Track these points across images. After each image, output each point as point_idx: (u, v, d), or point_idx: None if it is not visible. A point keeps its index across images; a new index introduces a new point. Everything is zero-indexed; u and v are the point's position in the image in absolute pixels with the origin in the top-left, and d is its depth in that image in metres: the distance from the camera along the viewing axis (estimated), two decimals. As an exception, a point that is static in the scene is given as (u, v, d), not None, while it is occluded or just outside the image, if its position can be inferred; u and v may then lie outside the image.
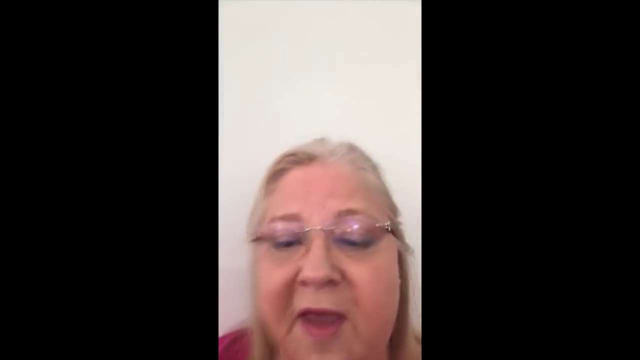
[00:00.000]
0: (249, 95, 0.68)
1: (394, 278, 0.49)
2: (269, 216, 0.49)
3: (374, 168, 0.53)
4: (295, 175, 0.50)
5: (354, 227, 0.46)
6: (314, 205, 0.47)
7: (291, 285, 0.46)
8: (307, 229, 0.46)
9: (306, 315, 0.45)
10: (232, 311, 0.55)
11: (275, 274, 0.46)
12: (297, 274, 0.45)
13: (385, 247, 0.48)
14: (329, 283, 0.44)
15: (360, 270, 0.45)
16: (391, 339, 0.50)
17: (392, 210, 0.52)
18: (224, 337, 0.59)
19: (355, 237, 0.46)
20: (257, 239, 0.50)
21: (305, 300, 0.44)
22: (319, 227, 0.46)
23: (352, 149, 0.53)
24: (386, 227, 0.48)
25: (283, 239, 0.47)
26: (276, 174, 0.52)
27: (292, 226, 0.47)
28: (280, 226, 0.47)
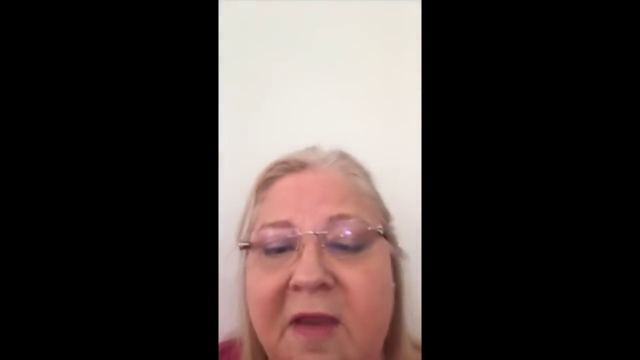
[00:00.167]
0: (249, 97, 0.68)
1: (387, 281, 0.49)
2: (260, 223, 0.49)
3: (365, 175, 0.54)
4: (287, 182, 0.51)
5: (346, 231, 0.47)
6: (306, 211, 0.47)
7: (283, 291, 0.45)
8: (300, 234, 0.46)
9: (299, 320, 0.44)
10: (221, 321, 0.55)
11: (267, 281, 0.46)
12: (289, 279, 0.45)
13: (378, 251, 0.48)
14: (322, 287, 0.44)
15: (352, 274, 0.45)
16: (386, 343, 0.50)
17: (384, 215, 0.53)
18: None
19: (347, 242, 0.47)
20: (247, 247, 0.50)
21: (298, 305, 0.44)
22: (311, 232, 0.46)
23: (343, 156, 0.54)
24: (378, 230, 0.48)
25: (274, 245, 0.47)
26: (267, 182, 0.52)
27: (284, 232, 0.47)
28: (271, 233, 0.48)
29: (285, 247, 0.47)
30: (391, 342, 0.50)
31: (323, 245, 0.46)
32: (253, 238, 0.49)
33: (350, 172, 0.52)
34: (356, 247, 0.47)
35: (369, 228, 0.48)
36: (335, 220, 0.47)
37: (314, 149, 0.55)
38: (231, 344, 0.55)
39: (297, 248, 0.46)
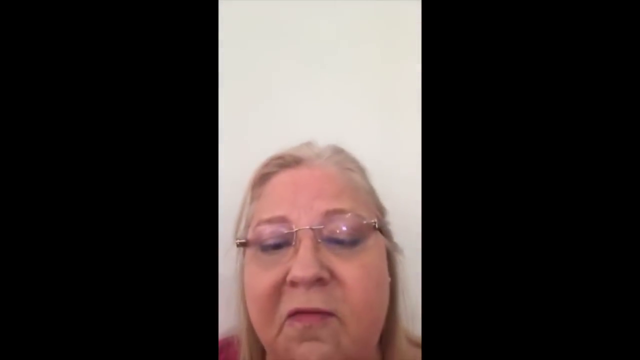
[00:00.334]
0: (250, 95, 0.68)
1: (382, 276, 0.49)
2: (256, 220, 0.49)
3: (361, 169, 0.54)
4: (282, 178, 0.51)
5: (342, 225, 0.47)
6: (302, 207, 0.47)
7: (280, 288, 0.45)
8: (296, 229, 0.46)
9: (295, 315, 0.45)
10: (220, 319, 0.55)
11: (264, 277, 0.46)
12: (285, 275, 0.45)
13: (373, 245, 0.48)
14: (318, 282, 0.44)
15: (348, 268, 0.46)
16: (381, 337, 0.50)
17: (380, 209, 0.53)
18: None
19: (343, 236, 0.47)
20: (244, 244, 0.50)
21: (295, 301, 0.44)
22: (307, 227, 0.46)
23: (338, 151, 0.54)
24: (373, 223, 0.48)
25: (270, 241, 0.47)
26: (262, 178, 0.52)
27: (280, 228, 0.47)
28: (267, 229, 0.48)
29: (282, 243, 0.47)
30: (386, 336, 0.50)
31: (319, 240, 0.46)
32: (250, 235, 0.50)
33: (346, 166, 0.52)
34: (352, 242, 0.47)
35: (364, 222, 0.48)
36: (331, 215, 0.47)
37: (309, 144, 0.55)
38: (230, 342, 0.55)
39: (293, 244, 0.46)
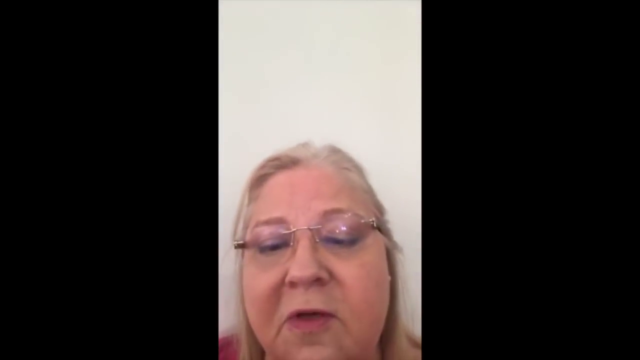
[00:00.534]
0: (250, 96, 0.68)
1: (382, 274, 0.49)
2: (254, 222, 0.49)
3: (358, 168, 0.54)
4: (279, 179, 0.51)
5: (340, 225, 0.47)
6: (299, 207, 0.47)
7: (279, 289, 0.45)
8: (293, 230, 0.46)
9: (294, 319, 0.44)
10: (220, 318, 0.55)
11: (262, 279, 0.46)
12: (284, 276, 0.45)
13: (372, 244, 0.48)
14: (317, 283, 0.44)
15: (347, 267, 0.45)
16: (381, 337, 0.50)
17: (378, 208, 0.53)
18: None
19: (341, 236, 0.47)
20: (242, 245, 0.50)
21: (295, 302, 0.44)
22: (305, 228, 0.46)
23: (334, 150, 0.54)
24: (371, 222, 0.48)
25: (268, 242, 0.47)
26: (259, 180, 0.52)
27: (278, 229, 0.47)
28: (265, 230, 0.48)
29: (280, 244, 0.47)
30: (386, 335, 0.50)
31: (317, 240, 0.46)
32: (248, 237, 0.50)
33: (342, 166, 0.52)
34: (350, 241, 0.47)
35: (363, 221, 0.48)
36: (328, 214, 0.47)
37: (305, 144, 0.54)
38: (229, 341, 0.55)
39: (291, 244, 0.46)
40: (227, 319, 0.54)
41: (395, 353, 0.51)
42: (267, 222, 0.48)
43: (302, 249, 0.45)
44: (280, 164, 0.52)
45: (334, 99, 0.68)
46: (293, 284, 0.44)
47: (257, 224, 0.48)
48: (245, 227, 0.51)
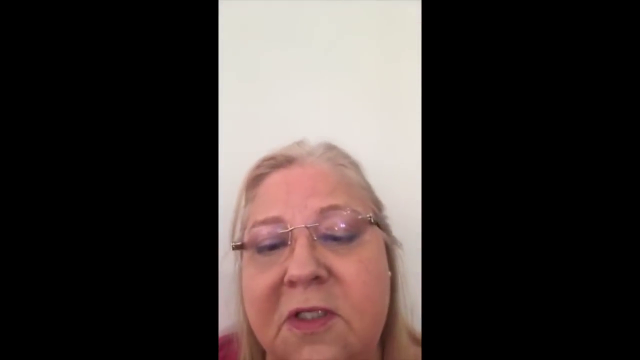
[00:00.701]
0: (250, 96, 0.68)
1: (381, 269, 0.49)
2: (251, 222, 0.49)
3: (354, 164, 0.53)
4: (275, 178, 0.51)
5: (337, 221, 0.47)
6: (296, 206, 0.47)
7: (278, 289, 0.45)
8: (291, 228, 0.46)
9: (295, 315, 0.44)
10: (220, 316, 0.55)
11: (261, 279, 0.46)
12: (283, 276, 0.45)
13: (370, 240, 0.48)
14: (317, 281, 0.44)
15: (346, 264, 0.45)
16: (381, 332, 0.50)
17: (375, 204, 0.52)
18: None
19: (339, 232, 0.46)
20: (240, 247, 0.50)
21: (294, 301, 0.44)
22: (302, 226, 0.46)
23: (329, 147, 0.54)
24: (369, 218, 0.48)
25: (266, 242, 0.47)
26: (255, 180, 0.52)
27: (275, 228, 0.47)
28: (262, 230, 0.47)
29: (278, 244, 0.47)
30: (386, 330, 0.50)
31: (315, 238, 0.46)
32: (245, 237, 0.49)
33: (338, 162, 0.52)
34: (349, 237, 0.47)
35: (360, 217, 0.48)
36: (325, 211, 0.47)
37: (300, 143, 0.54)
38: (229, 339, 0.56)
39: (289, 243, 0.46)
40: (227, 318, 0.54)
41: (396, 348, 0.51)
42: (264, 222, 0.48)
43: (300, 247, 0.45)
44: (276, 163, 0.51)
45: (335, 98, 0.68)
46: (292, 283, 0.44)
47: (255, 224, 0.48)
48: (243, 228, 0.51)
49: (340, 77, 0.69)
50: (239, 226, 0.53)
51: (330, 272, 0.45)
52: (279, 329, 0.45)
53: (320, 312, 0.44)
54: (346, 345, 0.44)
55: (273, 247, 0.47)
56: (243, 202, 0.53)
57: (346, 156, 0.54)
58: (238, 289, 0.52)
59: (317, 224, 0.46)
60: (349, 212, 0.47)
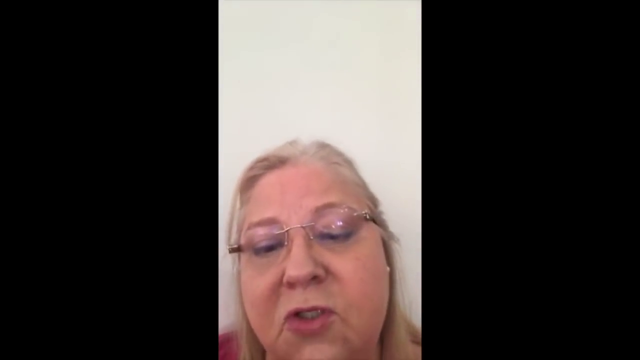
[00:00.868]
0: (250, 96, 0.67)
1: (379, 265, 0.49)
2: (247, 224, 0.49)
3: (348, 162, 0.53)
4: (269, 179, 0.50)
5: (333, 219, 0.46)
6: (291, 206, 0.47)
7: (277, 290, 0.45)
8: (287, 229, 0.46)
9: (295, 315, 0.44)
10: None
11: (260, 281, 0.46)
12: (281, 276, 0.45)
13: (367, 237, 0.48)
14: (315, 280, 0.44)
15: (343, 262, 0.45)
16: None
17: (371, 200, 0.52)
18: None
19: (335, 230, 0.46)
20: (236, 249, 0.50)
21: (294, 301, 0.44)
22: (297, 226, 0.46)
23: (322, 146, 0.53)
24: (364, 214, 0.48)
25: (263, 244, 0.47)
26: (249, 181, 0.52)
27: (271, 229, 0.47)
28: (258, 232, 0.47)
29: (275, 245, 0.47)
30: (385, 325, 0.50)
31: (311, 237, 0.46)
32: (242, 240, 0.49)
33: (332, 161, 0.52)
34: (345, 235, 0.47)
35: (355, 214, 0.48)
36: (320, 210, 0.47)
37: (293, 142, 0.54)
38: (229, 337, 0.56)
39: (285, 244, 0.46)
40: (227, 317, 0.54)
41: (394, 343, 0.51)
42: (260, 224, 0.48)
43: (297, 247, 0.45)
44: (269, 164, 0.51)
45: (335, 97, 0.68)
46: (291, 285, 0.44)
47: (250, 226, 0.48)
48: (239, 230, 0.51)
49: (342, 76, 0.69)
50: (234, 229, 0.52)
51: (327, 270, 0.45)
52: (280, 330, 0.45)
53: (319, 310, 0.44)
54: (346, 343, 0.44)
55: (270, 249, 0.47)
56: (238, 205, 0.53)
57: (339, 154, 0.53)
58: (237, 290, 0.52)
59: (313, 223, 0.46)
60: (344, 209, 0.47)
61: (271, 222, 0.47)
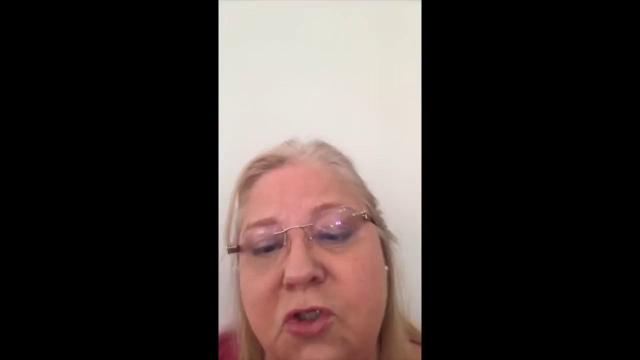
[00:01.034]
0: (250, 96, 0.68)
1: (377, 265, 0.49)
2: (245, 224, 0.49)
3: (346, 161, 0.53)
4: (267, 179, 0.50)
5: (332, 219, 0.46)
6: (290, 206, 0.47)
7: (277, 290, 0.45)
8: (285, 229, 0.46)
9: (294, 316, 0.44)
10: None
11: (259, 282, 0.46)
12: (281, 277, 0.45)
13: (365, 236, 0.48)
14: (314, 281, 0.44)
15: (342, 262, 0.45)
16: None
17: (369, 200, 0.52)
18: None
19: (334, 231, 0.46)
20: (235, 250, 0.50)
21: (293, 302, 0.44)
22: (296, 226, 0.46)
23: (320, 145, 0.53)
24: (363, 214, 0.48)
25: (262, 244, 0.47)
26: (248, 181, 0.52)
27: (270, 230, 0.47)
28: (257, 232, 0.47)
29: (274, 245, 0.47)
30: (383, 324, 0.50)
31: (310, 238, 0.46)
32: (241, 240, 0.49)
33: (330, 160, 0.51)
34: (344, 235, 0.47)
35: (354, 214, 0.47)
36: (319, 210, 0.47)
37: (291, 142, 0.54)
38: (229, 336, 0.56)
39: (284, 244, 0.46)
40: (226, 317, 0.54)
41: (392, 343, 0.51)
42: (259, 224, 0.47)
43: (296, 248, 0.45)
44: (267, 163, 0.51)
45: (336, 96, 0.68)
46: (291, 286, 0.44)
47: (249, 227, 0.48)
48: (238, 231, 0.51)
49: (341, 76, 0.69)
50: (233, 229, 0.52)
51: (326, 271, 0.45)
52: (280, 331, 0.45)
53: (318, 311, 0.44)
54: (345, 343, 0.44)
55: (269, 249, 0.47)
56: (236, 205, 0.53)
57: (338, 153, 0.53)
58: (236, 290, 0.52)
59: (311, 224, 0.46)
60: (343, 209, 0.47)
61: (270, 222, 0.47)
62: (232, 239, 0.52)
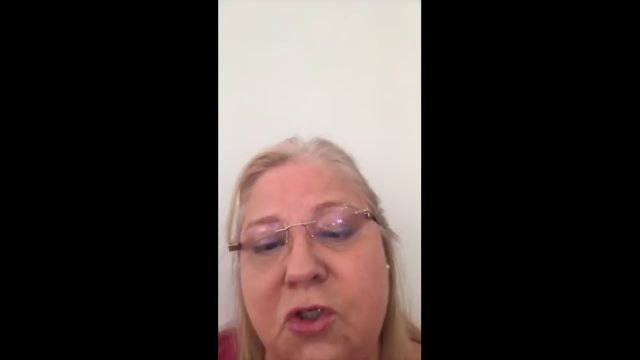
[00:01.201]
0: (250, 93, 0.68)
1: (379, 264, 0.49)
2: (247, 222, 0.49)
3: (348, 159, 0.53)
4: (270, 177, 0.50)
5: (334, 217, 0.46)
6: (292, 204, 0.47)
7: (279, 289, 0.45)
8: (287, 227, 0.46)
9: (296, 315, 0.44)
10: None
11: (261, 280, 0.46)
12: (283, 275, 0.45)
13: (368, 235, 0.48)
14: (316, 279, 0.44)
15: (344, 260, 0.45)
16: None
17: (371, 198, 0.52)
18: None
19: (336, 229, 0.46)
20: (236, 247, 0.50)
21: (295, 301, 0.44)
22: (299, 224, 0.46)
23: (323, 143, 0.53)
24: (365, 213, 0.48)
25: (264, 242, 0.47)
26: (249, 179, 0.51)
27: (272, 228, 0.47)
28: (259, 230, 0.47)
29: (276, 243, 0.46)
30: (385, 323, 0.50)
31: (312, 236, 0.46)
32: (242, 238, 0.49)
33: (332, 158, 0.51)
34: (346, 233, 0.46)
35: (356, 212, 0.47)
36: (321, 208, 0.46)
37: (293, 140, 0.54)
38: (228, 334, 0.56)
39: (286, 242, 0.46)
40: (227, 315, 0.54)
41: (394, 342, 0.51)
42: (261, 222, 0.47)
43: (298, 246, 0.45)
44: (269, 161, 0.51)
45: (336, 96, 0.68)
46: (293, 284, 0.44)
47: (251, 225, 0.48)
48: (239, 229, 0.51)
49: (342, 74, 0.69)
50: (234, 227, 0.52)
51: (328, 269, 0.45)
52: (281, 329, 0.45)
53: (320, 310, 0.44)
54: (347, 342, 0.44)
55: (271, 247, 0.47)
56: (238, 203, 0.53)
57: (340, 151, 0.53)
58: (237, 288, 0.52)
59: (314, 222, 0.46)
60: (345, 208, 0.47)
61: (272, 220, 0.47)
62: (233, 237, 0.52)
